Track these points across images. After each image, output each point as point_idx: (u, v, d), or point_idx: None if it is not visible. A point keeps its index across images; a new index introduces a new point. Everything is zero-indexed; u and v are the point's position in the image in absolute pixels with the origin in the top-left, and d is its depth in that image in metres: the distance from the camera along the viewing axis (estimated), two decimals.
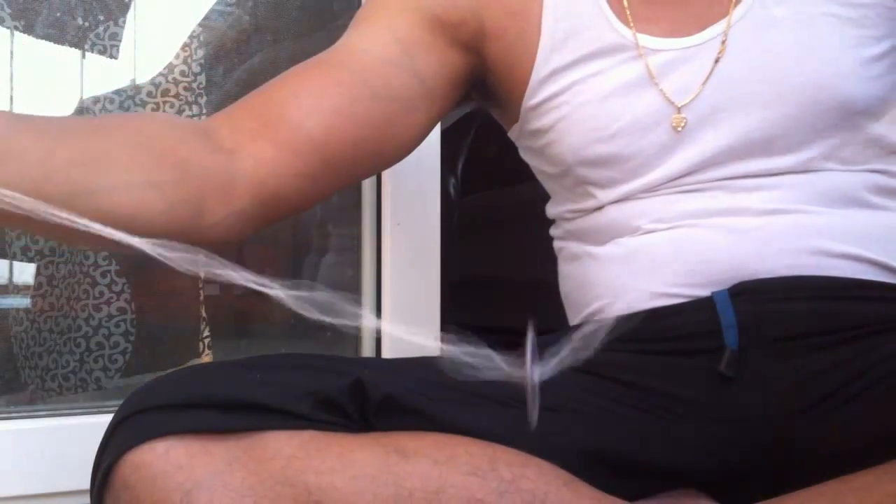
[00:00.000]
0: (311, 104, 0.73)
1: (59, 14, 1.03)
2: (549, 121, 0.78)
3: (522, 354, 0.53)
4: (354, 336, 1.14)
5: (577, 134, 0.77)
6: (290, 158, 0.72)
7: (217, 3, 1.17)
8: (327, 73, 0.76)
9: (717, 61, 0.74)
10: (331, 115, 0.74)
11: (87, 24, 1.05)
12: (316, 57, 0.78)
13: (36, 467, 0.89)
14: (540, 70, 0.78)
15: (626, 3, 0.77)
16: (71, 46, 1.04)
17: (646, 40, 0.75)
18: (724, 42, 0.74)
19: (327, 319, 0.47)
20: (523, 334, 0.84)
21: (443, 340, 0.47)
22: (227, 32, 1.17)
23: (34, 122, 0.61)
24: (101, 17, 1.06)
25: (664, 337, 0.71)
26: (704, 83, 0.74)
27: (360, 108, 0.75)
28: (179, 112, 1.11)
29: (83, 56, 1.06)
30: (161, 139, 0.66)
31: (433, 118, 0.82)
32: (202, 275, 0.47)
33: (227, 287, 1.29)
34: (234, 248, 1.21)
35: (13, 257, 1.05)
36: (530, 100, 0.79)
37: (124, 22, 1.07)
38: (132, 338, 1.08)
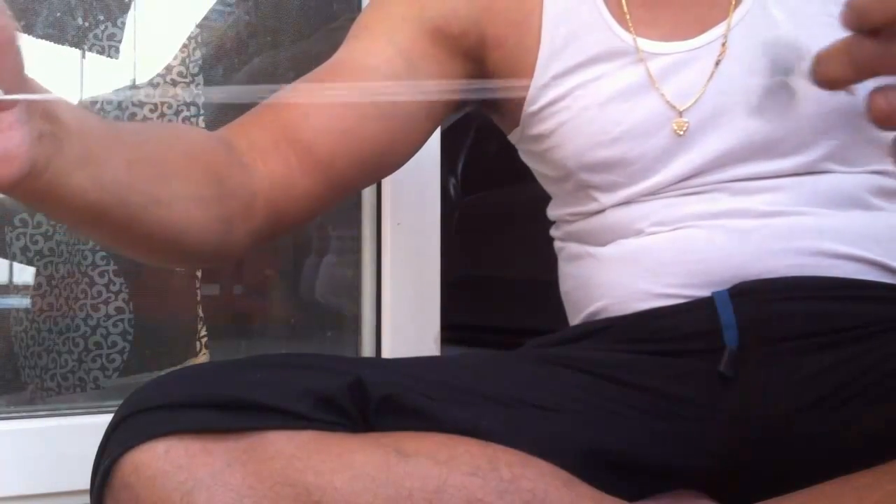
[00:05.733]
0: (321, 125, 0.74)
1: (59, 14, 1.03)
2: (551, 126, 0.78)
3: None
4: (354, 336, 1.14)
5: (578, 138, 0.77)
6: (299, 179, 0.73)
7: (217, 3, 1.17)
8: None
9: (717, 64, 0.74)
10: (340, 137, 0.75)
11: (86, 24, 1.05)
12: (323, 71, 0.78)
13: (36, 467, 0.89)
14: (541, 76, 0.78)
15: (625, 8, 0.77)
16: (71, 46, 1.04)
17: (646, 44, 0.75)
18: (724, 45, 0.74)
19: None
20: (523, 334, 0.84)
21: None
22: (226, 33, 1.17)
23: (115, 126, 0.61)
24: (101, 17, 1.06)
25: (664, 337, 0.71)
26: (705, 86, 0.73)
27: (368, 126, 0.76)
28: (177, 113, 1.11)
29: (83, 56, 1.06)
30: (203, 153, 0.68)
31: (433, 128, 0.83)
32: None
33: (226, 287, 1.29)
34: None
35: (13, 258, 1.05)
36: (531, 105, 0.79)
37: (124, 22, 1.07)
38: (130, 337, 1.08)
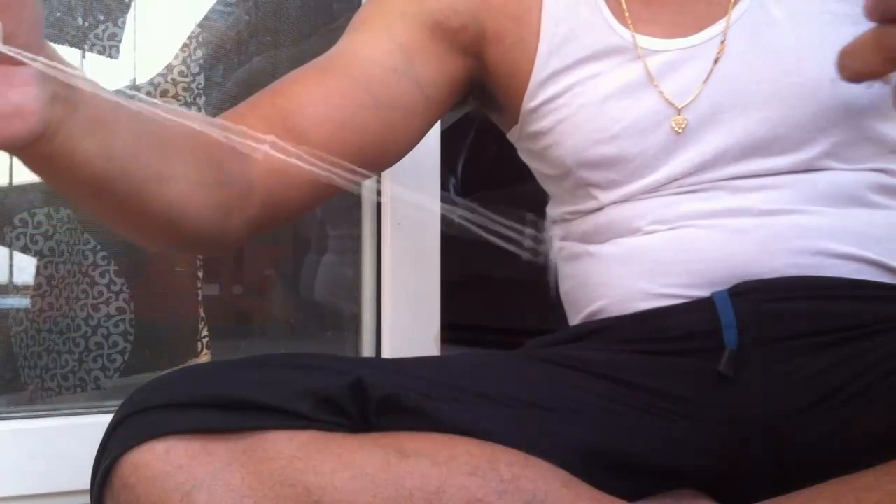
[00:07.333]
0: (317, 115, 0.74)
1: (59, 14, 1.03)
2: (549, 123, 0.78)
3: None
4: (354, 336, 1.14)
5: (577, 136, 0.77)
6: (294, 168, 0.72)
7: (217, 3, 1.17)
8: (333, 83, 0.76)
9: (716, 62, 0.74)
10: (336, 126, 0.74)
11: (87, 24, 1.05)
12: (320, 62, 0.78)
13: (35, 467, 0.89)
14: (539, 72, 0.78)
15: (624, 5, 0.77)
16: (71, 46, 1.04)
17: (645, 41, 0.75)
18: (723, 42, 0.74)
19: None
20: (523, 334, 0.84)
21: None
22: (227, 33, 1.17)
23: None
24: (101, 17, 1.06)
25: (664, 337, 0.71)
26: (704, 84, 0.73)
27: (363, 117, 0.76)
28: None
29: (83, 56, 1.06)
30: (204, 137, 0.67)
31: (430, 123, 0.83)
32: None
33: (227, 287, 1.29)
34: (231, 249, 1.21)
35: (13, 256, 1.05)
36: (530, 102, 0.79)
37: (124, 22, 1.07)
38: (131, 337, 1.08)
